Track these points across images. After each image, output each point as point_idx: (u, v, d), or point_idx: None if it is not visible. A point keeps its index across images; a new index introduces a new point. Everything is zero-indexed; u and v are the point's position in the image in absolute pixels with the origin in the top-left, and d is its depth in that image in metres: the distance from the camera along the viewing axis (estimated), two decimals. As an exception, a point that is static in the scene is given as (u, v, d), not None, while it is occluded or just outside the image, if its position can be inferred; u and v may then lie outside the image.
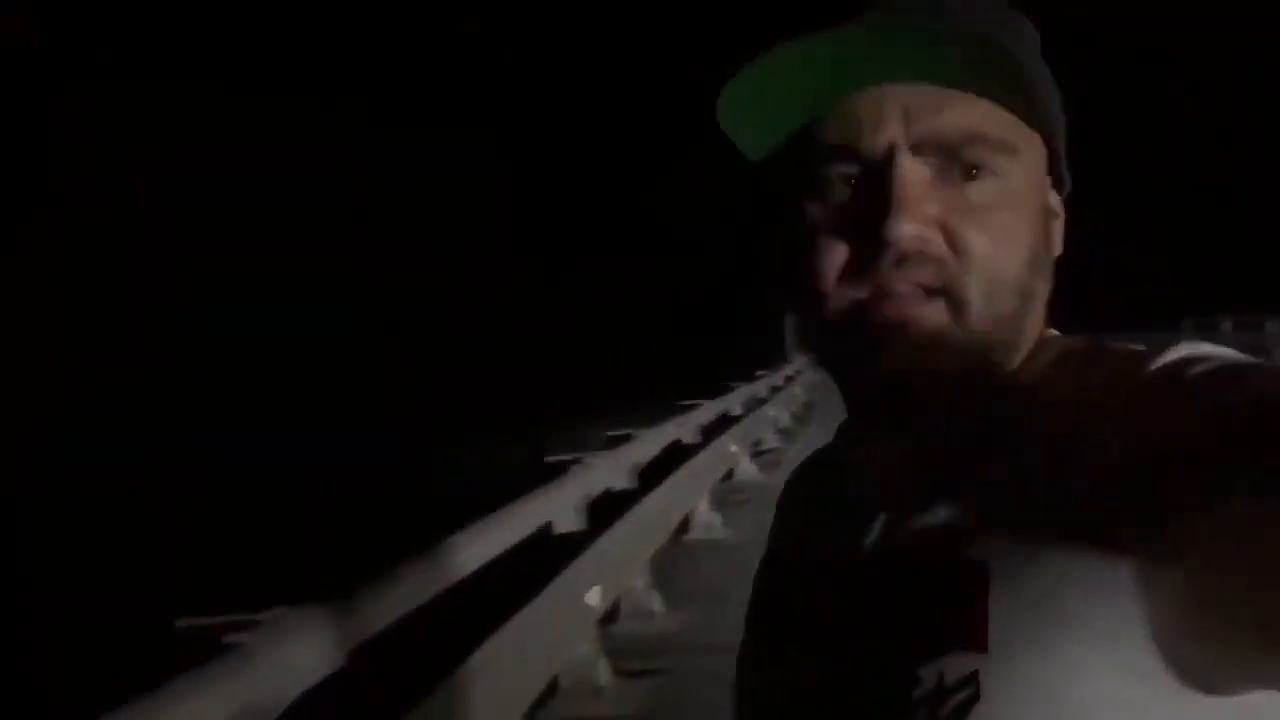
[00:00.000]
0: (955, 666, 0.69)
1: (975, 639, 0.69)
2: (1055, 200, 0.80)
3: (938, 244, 0.73)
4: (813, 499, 0.91)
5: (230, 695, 2.29)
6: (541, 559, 4.68)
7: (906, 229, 0.72)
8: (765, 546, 0.96)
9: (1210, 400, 0.67)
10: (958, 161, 0.74)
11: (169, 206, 27.60)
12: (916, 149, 0.74)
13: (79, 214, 25.51)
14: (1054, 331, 0.82)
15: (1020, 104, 0.75)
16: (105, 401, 20.36)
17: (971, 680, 0.68)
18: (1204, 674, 0.67)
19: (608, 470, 6.72)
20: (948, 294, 0.74)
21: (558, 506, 5.53)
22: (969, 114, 0.74)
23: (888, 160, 0.73)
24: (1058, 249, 0.80)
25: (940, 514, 0.74)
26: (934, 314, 0.74)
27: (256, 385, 21.99)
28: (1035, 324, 0.79)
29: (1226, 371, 0.70)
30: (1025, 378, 0.77)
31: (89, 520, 11.41)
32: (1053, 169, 0.79)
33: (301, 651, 2.60)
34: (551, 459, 6.31)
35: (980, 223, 0.74)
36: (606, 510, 6.04)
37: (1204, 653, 0.66)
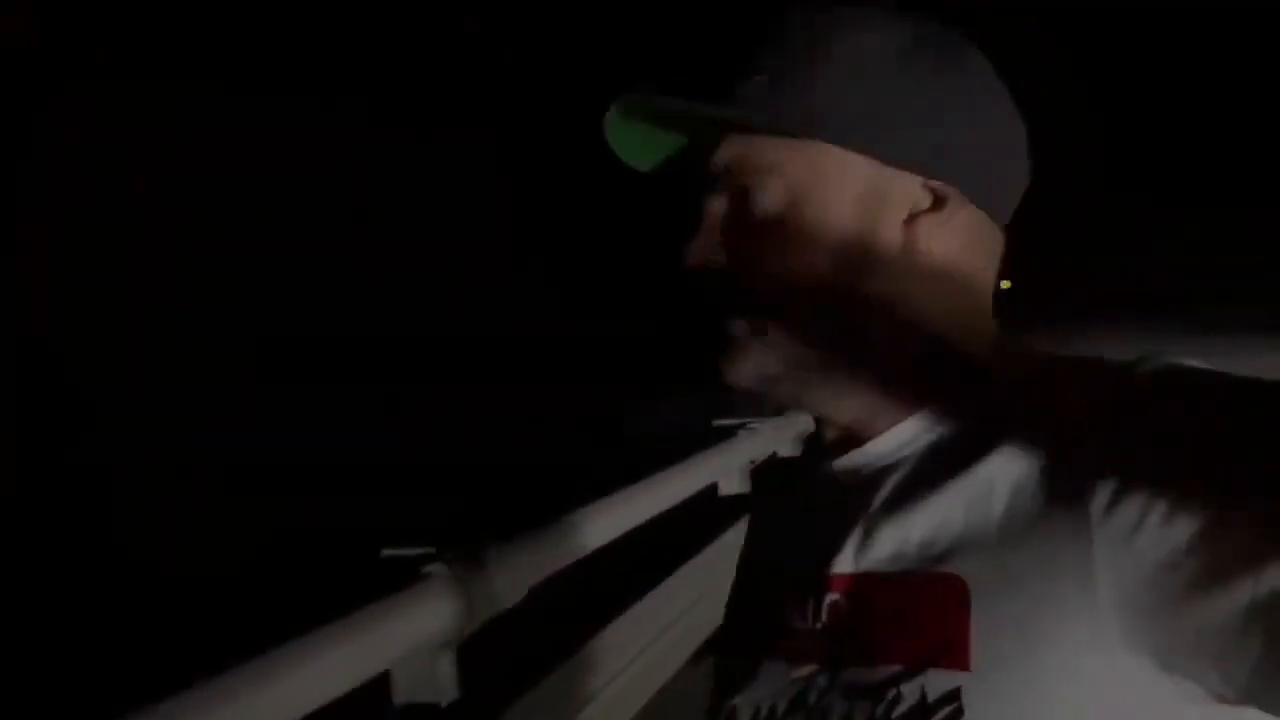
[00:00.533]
0: (938, 683, 0.69)
1: (957, 656, 0.69)
2: (902, 205, 0.81)
3: (722, 261, 0.81)
4: (788, 509, 0.90)
5: (426, 618, 2.59)
6: (707, 517, 4.80)
7: (692, 250, 0.81)
8: (740, 555, 0.97)
9: (1197, 420, 0.67)
10: (733, 186, 0.81)
11: (169, 206, 27.57)
12: (711, 180, 0.82)
13: (79, 214, 25.48)
14: (1027, 346, 0.82)
15: (783, 132, 0.80)
16: (105, 400, 20.33)
17: (954, 697, 0.69)
18: (1192, 692, 0.66)
19: (773, 436, 6.79)
20: (745, 308, 0.81)
21: (723, 469, 5.64)
22: (733, 146, 0.82)
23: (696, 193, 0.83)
24: (902, 249, 0.81)
25: (919, 528, 0.75)
26: (742, 329, 0.81)
27: (257, 386, 21.96)
28: (932, 321, 0.80)
29: (1210, 388, 0.70)
30: (1003, 391, 0.78)
31: (89, 520, 11.39)
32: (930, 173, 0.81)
33: (490, 582, 2.93)
34: (719, 423, 6.46)
35: (759, 236, 0.80)
36: (770, 474, 6.09)
37: (1192, 671, 0.65)
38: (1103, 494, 0.67)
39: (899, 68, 0.81)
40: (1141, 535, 0.65)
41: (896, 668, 0.72)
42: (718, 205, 0.83)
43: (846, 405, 0.83)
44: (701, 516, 5.20)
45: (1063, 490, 0.69)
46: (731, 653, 0.88)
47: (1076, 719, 0.67)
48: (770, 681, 0.80)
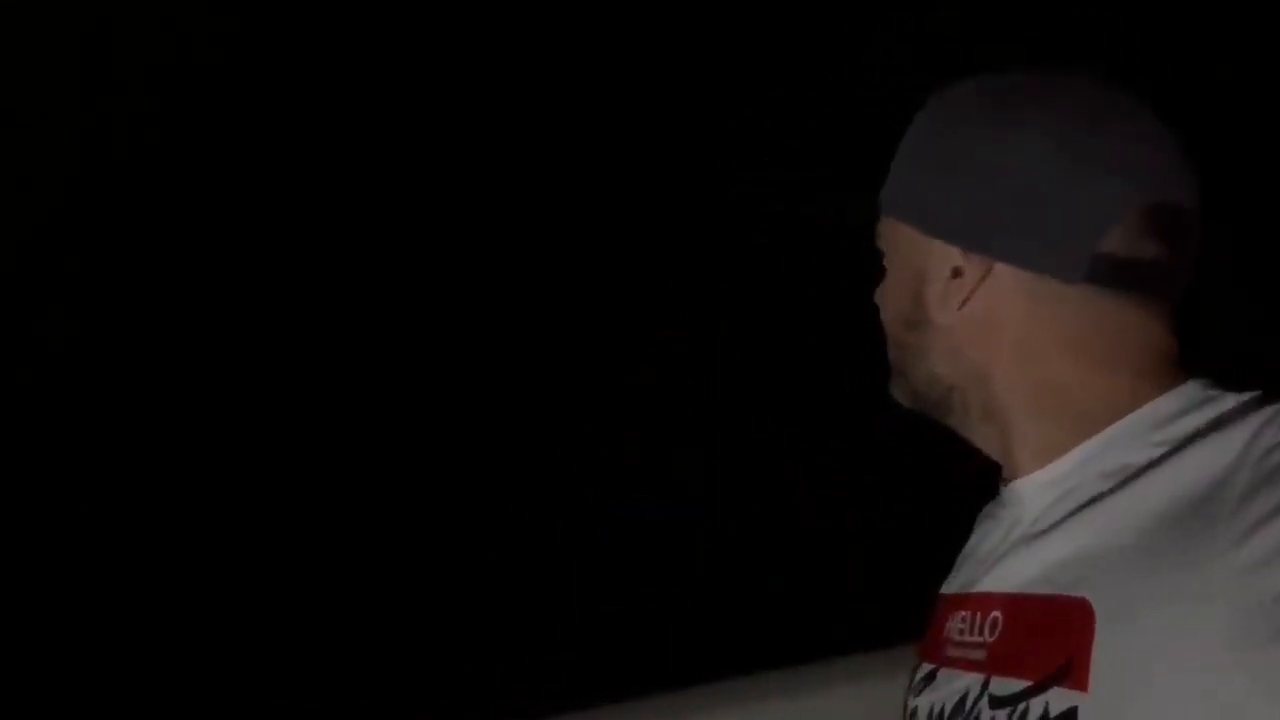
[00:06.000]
0: (1058, 702, 0.73)
1: (1077, 677, 0.72)
2: (943, 268, 0.87)
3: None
4: (975, 533, 0.97)
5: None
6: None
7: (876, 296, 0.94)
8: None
9: None
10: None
11: (170, 206, 27.44)
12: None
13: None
14: (1200, 388, 0.82)
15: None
16: (104, 399, 20.23)
17: (1071, 715, 0.72)
18: None
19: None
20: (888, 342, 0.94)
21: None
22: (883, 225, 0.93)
23: None
24: (942, 305, 0.87)
25: (1061, 553, 0.79)
26: (890, 356, 0.93)
27: (259, 387, 21.83)
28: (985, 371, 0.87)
29: None
30: (1149, 431, 0.80)
31: (88, 520, 11.30)
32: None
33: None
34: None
35: (884, 292, 0.93)
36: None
37: None
38: (1240, 522, 0.68)
39: (945, 141, 0.87)
40: (1271, 567, 0.66)
41: (1029, 683, 0.76)
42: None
43: (984, 438, 0.89)
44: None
45: (1200, 518, 0.71)
46: (924, 658, 0.94)
47: None
48: (944, 687, 0.86)
